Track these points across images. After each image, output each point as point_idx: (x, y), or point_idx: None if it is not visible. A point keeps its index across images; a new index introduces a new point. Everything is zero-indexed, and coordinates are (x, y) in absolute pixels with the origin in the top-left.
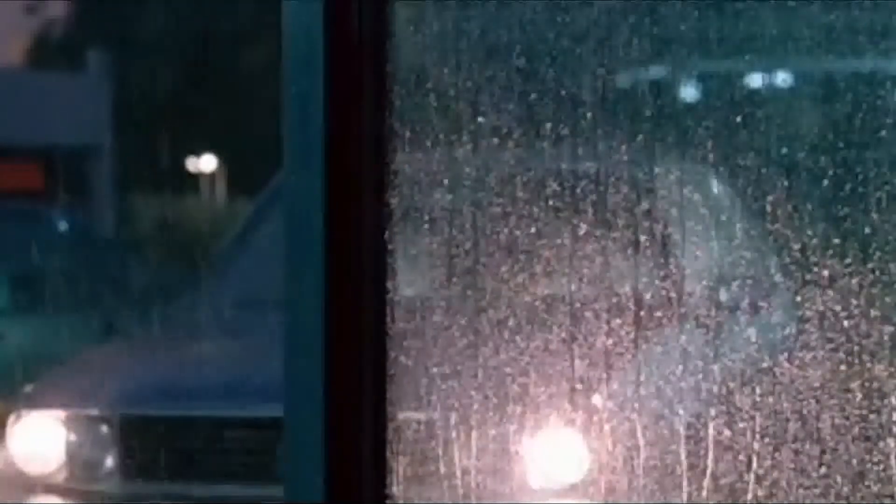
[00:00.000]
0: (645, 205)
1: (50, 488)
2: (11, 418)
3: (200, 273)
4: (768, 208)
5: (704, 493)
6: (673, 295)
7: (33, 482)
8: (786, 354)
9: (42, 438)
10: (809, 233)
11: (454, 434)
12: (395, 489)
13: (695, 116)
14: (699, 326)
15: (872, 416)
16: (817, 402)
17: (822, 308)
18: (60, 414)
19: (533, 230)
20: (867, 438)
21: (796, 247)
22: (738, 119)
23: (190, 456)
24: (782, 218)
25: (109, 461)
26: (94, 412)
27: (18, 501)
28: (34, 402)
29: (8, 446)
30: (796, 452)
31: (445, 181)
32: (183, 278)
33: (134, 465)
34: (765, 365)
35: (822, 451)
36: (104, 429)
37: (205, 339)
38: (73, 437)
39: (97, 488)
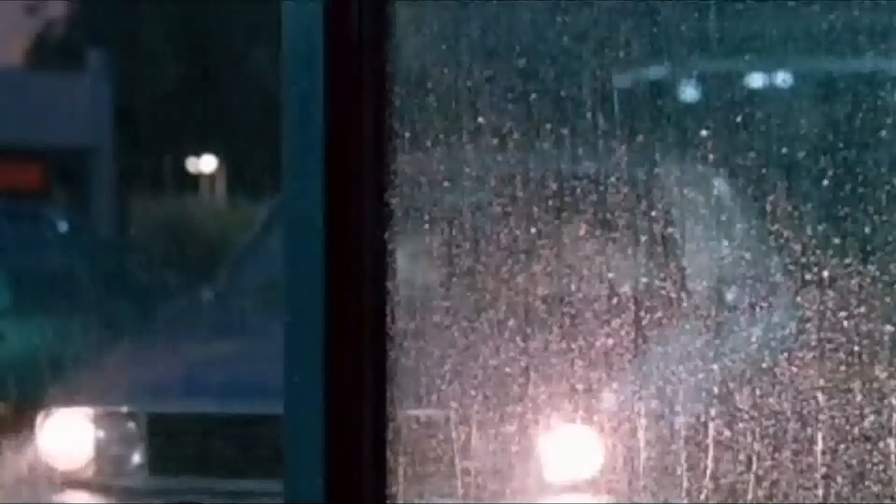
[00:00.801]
0: (645, 205)
1: (78, 483)
2: (41, 415)
3: (212, 272)
4: (768, 208)
5: (704, 493)
6: (673, 295)
7: (62, 477)
8: (786, 354)
9: (70, 435)
10: (809, 233)
11: (454, 434)
12: (395, 489)
13: (695, 116)
14: (699, 326)
15: (872, 416)
16: (817, 402)
17: (822, 308)
18: (89, 411)
19: (533, 230)
20: (867, 438)
21: (796, 247)
22: (738, 119)
23: (216, 452)
24: (782, 218)
25: (137, 457)
26: (122, 409)
27: (48, 496)
28: (62, 399)
29: (37, 443)
30: (796, 452)
31: (445, 181)
32: (188, 278)
33: (161, 460)
34: (765, 365)
35: (822, 452)
36: (131, 425)
37: (223, 337)
38: (101, 434)
39: (125, 484)
